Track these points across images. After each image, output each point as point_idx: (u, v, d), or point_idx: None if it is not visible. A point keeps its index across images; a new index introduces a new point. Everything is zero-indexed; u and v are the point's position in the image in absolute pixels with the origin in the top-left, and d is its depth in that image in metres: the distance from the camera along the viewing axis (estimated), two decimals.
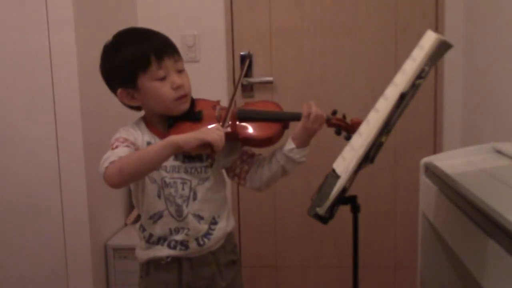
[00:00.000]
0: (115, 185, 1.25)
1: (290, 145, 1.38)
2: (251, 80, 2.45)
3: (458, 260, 1.19)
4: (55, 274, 2.07)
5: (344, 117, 1.42)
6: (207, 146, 1.23)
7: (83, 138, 1.99)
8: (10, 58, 1.97)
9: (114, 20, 2.26)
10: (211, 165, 1.33)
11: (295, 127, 1.39)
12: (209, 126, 1.32)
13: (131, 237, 2.23)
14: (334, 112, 1.42)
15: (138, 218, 2.33)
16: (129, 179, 1.29)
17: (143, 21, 2.46)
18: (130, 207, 2.44)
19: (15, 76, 1.98)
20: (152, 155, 1.23)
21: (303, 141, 1.38)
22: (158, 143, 1.27)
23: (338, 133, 1.43)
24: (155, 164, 1.26)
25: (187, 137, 1.23)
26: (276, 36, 2.44)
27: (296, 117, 1.39)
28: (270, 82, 2.44)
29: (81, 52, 1.97)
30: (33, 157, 2.02)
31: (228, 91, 2.46)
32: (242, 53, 2.44)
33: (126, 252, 2.16)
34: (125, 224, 2.40)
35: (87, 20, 2.02)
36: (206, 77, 2.39)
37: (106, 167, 1.24)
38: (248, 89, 2.46)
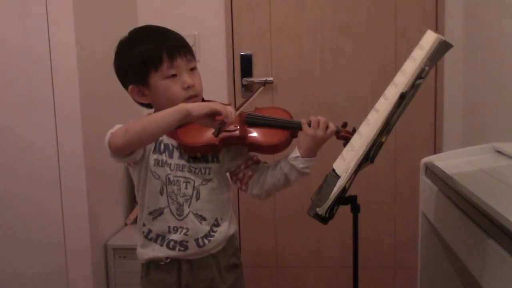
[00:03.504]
0: (118, 145, 1.24)
1: (295, 153, 1.37)
2: (251, 80, 2.45)
3: (458, 260, 1.19)
4: (55, 274, 2.06)
5: (354, 130, 1.38)
6: (217, 115, 1.22)
7: (83, 138, 1.99)
8: (10, 58, 1.97)
9: (114, 20, 2.26)
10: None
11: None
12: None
13: (131, 237, 2.23)
14: (344, 125, 1.40)
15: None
16: (133, 140, 1.24)
17: (143, 21, 2.43)
18: (130, 207, 2.44)
19: (15, 76, 1.98)
20: (160, 117, 1.23)
21: (308, 150, 1.35)
22: (168, 109, 1.25)
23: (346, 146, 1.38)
24: (161, 128, 1.24)
25: (197, 104, 1.26)
26: (276, 36, 2.44)
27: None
28: (270, 82, 2.44)
29: (81, 52, 1.96)
30: (33, 157, 2.01)
31: (228, 91, 2.46)
32: (242, 53, 2.45)
33: (126, 252, 2.16)
34: (125, 224, 2.40)
35: (87, 20, 2.02)
36: (206, 77, 2.33)
37: (112, 132, 1.26)
38: (248, 89, 2.47)
